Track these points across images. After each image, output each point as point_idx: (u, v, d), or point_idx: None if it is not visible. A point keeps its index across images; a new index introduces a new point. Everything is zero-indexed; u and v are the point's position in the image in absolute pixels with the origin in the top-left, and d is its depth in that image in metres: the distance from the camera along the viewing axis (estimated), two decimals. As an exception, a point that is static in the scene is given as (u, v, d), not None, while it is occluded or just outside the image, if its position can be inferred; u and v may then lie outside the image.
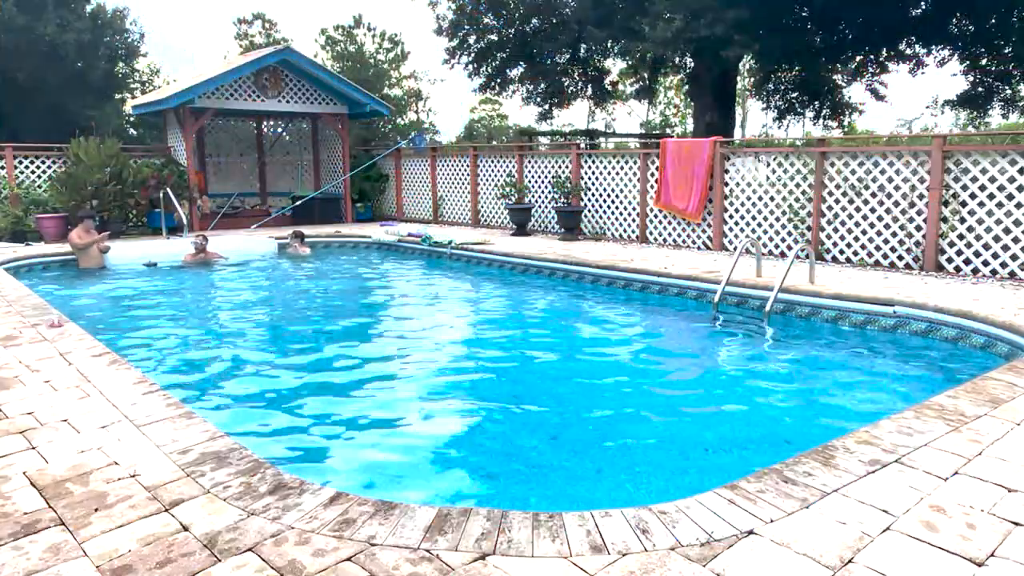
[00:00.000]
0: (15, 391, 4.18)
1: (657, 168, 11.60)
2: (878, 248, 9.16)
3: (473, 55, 20.19)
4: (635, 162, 12.06)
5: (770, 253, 10.27)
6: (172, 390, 4.35)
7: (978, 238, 8.30)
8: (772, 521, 2.67)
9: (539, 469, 4.04)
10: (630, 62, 18.57)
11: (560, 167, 13.31)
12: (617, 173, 12.35)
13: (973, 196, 8.32)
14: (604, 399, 5.22)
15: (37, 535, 2.58)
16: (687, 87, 22.45)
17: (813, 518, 2.69)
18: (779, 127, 22.89)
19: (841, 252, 9.54)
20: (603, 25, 16.74)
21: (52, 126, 19.95)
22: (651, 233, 11.96)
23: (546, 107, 21.53)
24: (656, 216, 11.83)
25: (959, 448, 3.35)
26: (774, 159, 10.23)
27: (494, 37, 19.82)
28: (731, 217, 10.81)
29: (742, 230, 10.68)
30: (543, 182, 13.64)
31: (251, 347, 6.60)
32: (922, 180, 8.70)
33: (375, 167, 17.48)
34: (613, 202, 12.48)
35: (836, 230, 9.56)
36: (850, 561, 2.40)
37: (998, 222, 8.16)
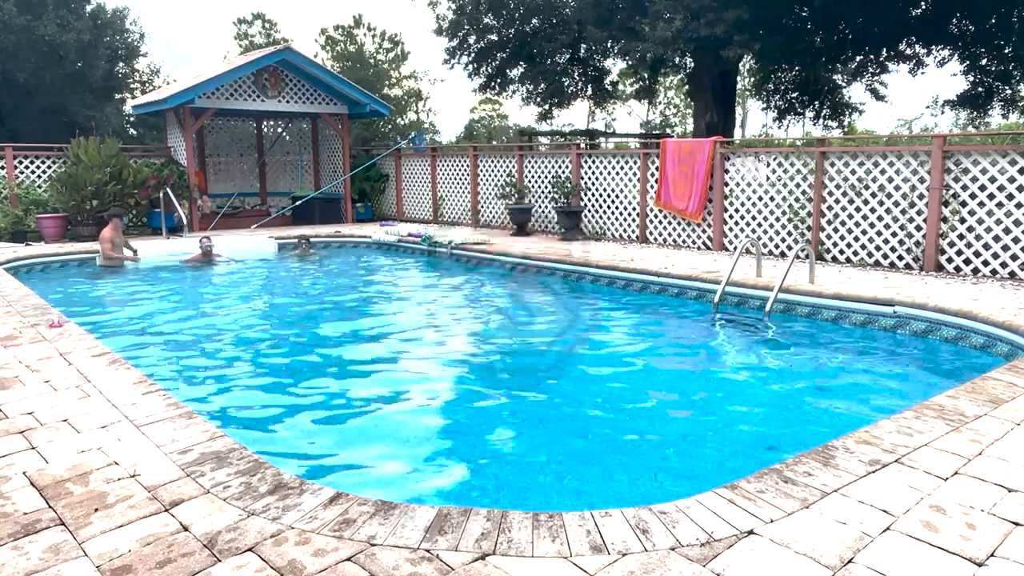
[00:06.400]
0: (15, 391, 4.18)
1: (657, 168, 11.60)
2: (878, 248, 9.16)
3: (473, 55, 20.19)
4: (635, 162, 12.06)
5: (770, 253, 10.26)
6: (172, 390, 4.35)
7: (978, 238, 8.30)
8: (772, 521, 2.67)
9: (536, 468, 4.04)
10: (630, 62, 18.57)
11: (560, 167, 13.31)
12: (617, 173, 12.35)
13: (973, 196, 8.32)
14: (603, 398, 5.22)
15: (37, 535, 2.58)
16: (687, 87, 22.46)
17: (813, 518, 2.69)
18: (779, 127, 22.91)
19: (841, 252, 9.54)
20: (603, 25, 16.74)
21: (52, 126, 19.96)
22: (651, 233, 11.96)
23: (546, 107, 21.54)
24: (656, 216, 11.83)
25: (959, 448, 3.35)
26: (774, 159, 10.22)
27: (494, 37, 19.82)
28: (731, 217, 10.81)
29: (742, 230, 10.68)
30: (543, 182, 13.64)
31: (251, 347, 6.60)
32: (922, 180, 8.70)
33: (375, 167, 17.48)
34: (613, 202, 12.48)
35: (836, 230, 9.55)
36: (850, 561, 2.40)
37: (998, 222, 8.15)
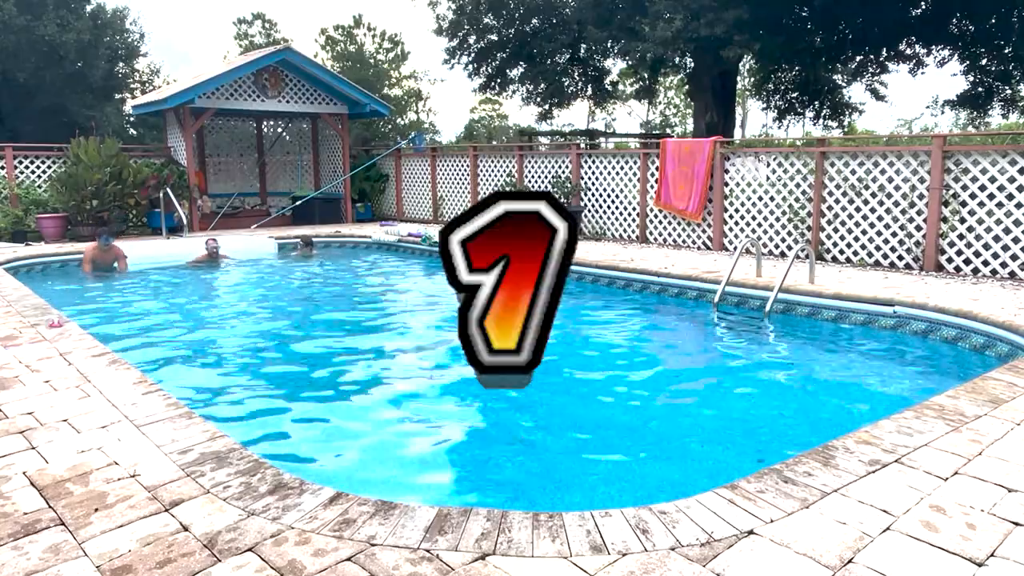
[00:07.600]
0: (15, 391, 4.18)
1: (657, 168, 11.60)
2: (878, 248, 9.16)
3: (473, 55, 20.18)
4: (635, 162, 12.06)
5: (770, 253, 10.26)
6: (172, 390, 4.35)
7: (978, 238, 8.30)
8: (772, 521, 2.67)
9: (535, 468, 4.04)
10: (630, 62, 18.57)
11: (560, 167, 13.32)
12: (617, 173, 12.35)
13: (973, 196, 8.32)
14: (602, 398, 5.22)
15: (37, 535, 2.58)
16: (687, 87, 22.46)
17: (813, 518, 2.69)
18: (779, 127, 22.91)
19: (841, 252, 9.54)
20: (603, 25, 16.74)
21: (52, 126, 19.94)
22: (651, 233, 11.96)
23: (546, 107, 21.53)
24: (656, 216, 11.83)
25: (959, 448, 3.35)
26: (774, 159, 10.22)
27: (494, 37, 19.82)
28: (731, 217, 10.80)
29: (742, 230, 10.68)
30: (543, 182, 13.63)
31: (251, 347, 6.60)
32: (922, 180, 8.70)
33: (375, 167, 17.48)
34: (613, 202, 12.48)
35: (836, 230, 9.55)
36: (850, 561, 2.40)
37: (998, 222, 8.15)
